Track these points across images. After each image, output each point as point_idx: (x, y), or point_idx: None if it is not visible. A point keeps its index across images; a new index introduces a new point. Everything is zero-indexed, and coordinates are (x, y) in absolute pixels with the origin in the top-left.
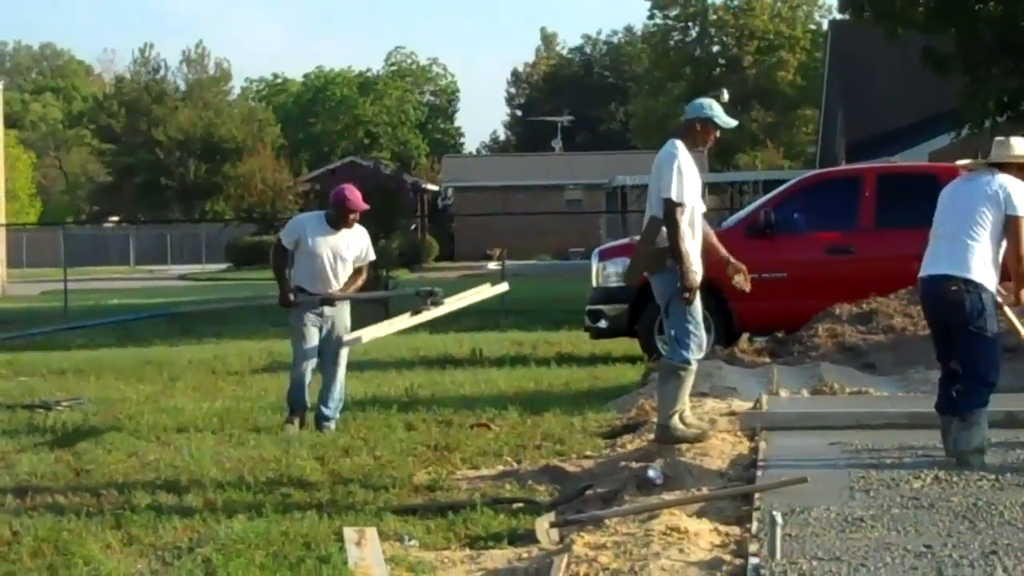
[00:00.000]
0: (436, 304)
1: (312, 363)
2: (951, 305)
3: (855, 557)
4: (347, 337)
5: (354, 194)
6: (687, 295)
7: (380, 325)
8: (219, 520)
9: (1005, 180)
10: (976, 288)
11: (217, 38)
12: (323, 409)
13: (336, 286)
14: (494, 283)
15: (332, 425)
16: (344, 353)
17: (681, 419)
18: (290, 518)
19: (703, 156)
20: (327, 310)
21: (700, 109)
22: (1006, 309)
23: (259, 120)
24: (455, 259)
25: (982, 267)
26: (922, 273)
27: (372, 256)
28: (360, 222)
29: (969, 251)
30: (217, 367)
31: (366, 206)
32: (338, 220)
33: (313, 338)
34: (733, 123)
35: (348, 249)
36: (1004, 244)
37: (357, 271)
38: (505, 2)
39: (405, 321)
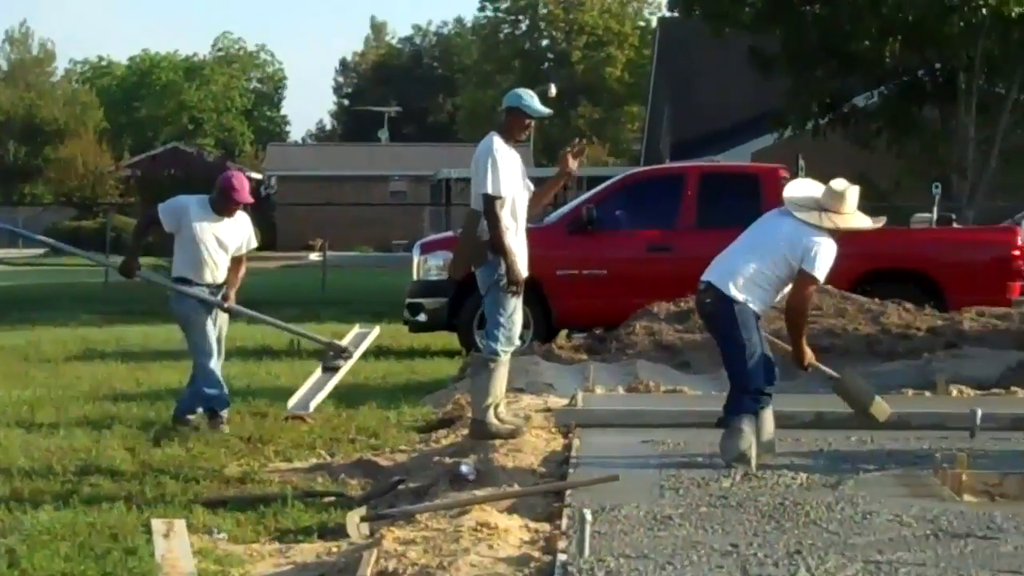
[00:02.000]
0: (347, 359)
1: (217, 355)
2: (707, 316)
3: (662, 555)
4: (292, 403)
5: (243, 185)
6: (513, 288)
7: (308, 389)
8: (25, 510)
9: (820, 239)
10: (729, 302)
11: (42, 18)
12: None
13: (219, 276)
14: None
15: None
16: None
17: (496, 415)
18: (98, 509)
19: (528, 150)
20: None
21: (512, 99)
22: (768, 336)
23: (82, 103)
24: (276, 249)
25: (748, 287)
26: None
27: (255, 244)
28: None
29: (743, 270)
30: (30, 354)
31: (251, 200)
32: (222, 208)
33: (211, 330)
34: (545, 111)
35: (230, 237)
36: (784, 290)
37: (237, 261)
38: None
39: (325, 377)
